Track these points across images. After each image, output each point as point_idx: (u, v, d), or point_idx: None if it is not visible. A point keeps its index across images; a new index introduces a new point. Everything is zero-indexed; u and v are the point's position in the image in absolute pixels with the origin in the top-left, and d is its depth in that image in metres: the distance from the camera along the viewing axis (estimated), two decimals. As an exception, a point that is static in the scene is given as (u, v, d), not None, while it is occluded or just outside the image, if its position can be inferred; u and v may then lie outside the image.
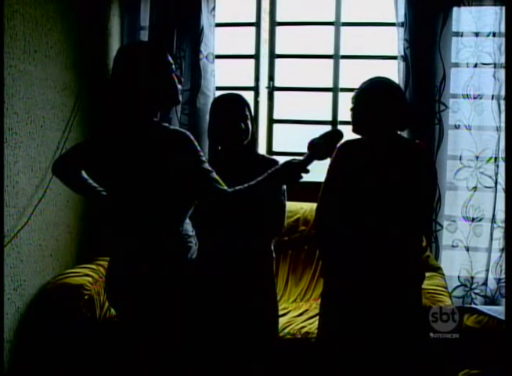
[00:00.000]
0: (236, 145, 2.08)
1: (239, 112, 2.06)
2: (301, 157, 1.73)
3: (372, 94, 1.98)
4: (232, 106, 2.07)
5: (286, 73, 3.37)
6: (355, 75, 3.22)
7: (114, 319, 2.41)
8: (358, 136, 2.09)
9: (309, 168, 1.72)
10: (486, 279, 3.04)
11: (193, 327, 1.82)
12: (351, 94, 2.08)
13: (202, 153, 1.65)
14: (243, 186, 1.64)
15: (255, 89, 3.34)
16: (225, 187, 1.62)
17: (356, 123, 2.03)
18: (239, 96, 2.12)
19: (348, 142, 2.11)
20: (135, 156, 1.66)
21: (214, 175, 1.63)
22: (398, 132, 2.07)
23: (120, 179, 1.71)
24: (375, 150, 2.02)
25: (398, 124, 2.03)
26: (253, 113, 2.16)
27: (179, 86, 1.73)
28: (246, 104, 2.11)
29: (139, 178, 1.66)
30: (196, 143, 1.65)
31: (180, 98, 1.76)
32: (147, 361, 1.76)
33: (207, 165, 1.64)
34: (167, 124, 1.71)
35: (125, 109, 1.68)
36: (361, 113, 2.00)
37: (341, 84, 3.26)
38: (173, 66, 1.72)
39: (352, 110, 2.04)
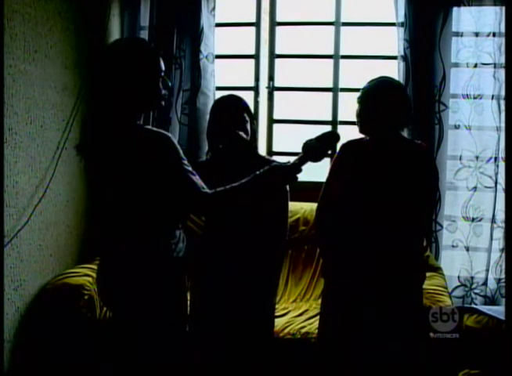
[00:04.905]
0: (234, 147, 2.08)
1: (238, 118, 2.05)
2: (295, 157, 1.72)
3: (381, 93, 1.97)
4: (230, 112, 2.06)
5: (286, 73, 3.37)
6: (355, 75, 3.22)
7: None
8: (359, 136, 2.09)
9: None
10: (486, 279, 3.04)
11: (188, 323, 1.82)
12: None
13: (183, 156, 1.64)
14: (224, 187, 1.63)
15: (255, 89, 3.33)
16: (206, 189, 1.62)
17: (365, 123, 2.01)
18: (239, 101, 2.10)
19: (351, 141, 2.11)
20: (115, 159, 1.65)
21: (195, 177, 1.63)
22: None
23: (104, 182, 1.73)
24: (379, 149, 2.01)
25: (403, 123, 2.03)
26: (253, 115, 2.16)
27: (163, 91, 1.71)
28: (246, 108, 2.10)
29: (121, 180, 1.67)
30: (179, 147, 1.64)
31: (161, 102, 1.73)
32: (143, 361, 1.76)
33: (187, 167, 1.63)
34: (150, 127, 1.70)
35: (107, 108, 1.66)
36: (370, 113, 1.98)
37: (341, 84, 3.26)
38: (161, 71, 1.69)
39: (360, 110, 2.02)
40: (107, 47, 1.74)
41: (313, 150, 1.71)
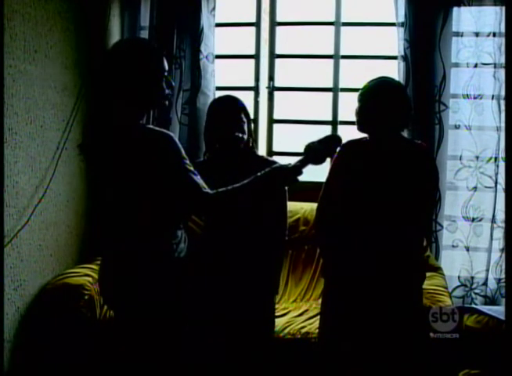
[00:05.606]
0: (232, 148, 2.08)
1: (234, 119, 2.05)
2: (295, 159, 1.72)
3: (381, 93, 1.97)
4: (227, 113, 2.06)
5: (286, 73, 3.37)
6: (355, 75, 3.22)
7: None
8: (360, 136, 2.09)
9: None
10: (486, 279, 3.04)
11: (188, 323, 1.83)
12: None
13: (185, 155, 1.64)
14: (225, 188, 1.63)
15: (255, 89, 3.33)
16: (207, 189, 1.62)
17: (365, 122, 2.01)
18: (235, 101, 2.09)
19: (351, 141, 2.11)
20: (117, 158, 1.65)
21: (196, 177, 1.62)
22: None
23: (106, 181, 1.73)
24: (379, 149, 2.01)
25: (403, 123, 2.03)
26: (252, 114, 2.16)
27: (167, 91, 1.72)
28: (243, 108, 2.09)
29: (122, 180, 1.67)
30: (180, 146, 1.64)
31: (165, 102, 1.74)
32: (144, 360, 1.76)
33: (189, 167, 1.63)
34: (152, 126, 1.70)
35: (110, 107, 1.67)
36: (370, 113, 1.98)
37: (341, 85, 3.25)
38: (164, 71, 1.70)
39: (360, 108, 2.01)
40: (111, 47, 1.75)
41: (315, 153, 1.72)
